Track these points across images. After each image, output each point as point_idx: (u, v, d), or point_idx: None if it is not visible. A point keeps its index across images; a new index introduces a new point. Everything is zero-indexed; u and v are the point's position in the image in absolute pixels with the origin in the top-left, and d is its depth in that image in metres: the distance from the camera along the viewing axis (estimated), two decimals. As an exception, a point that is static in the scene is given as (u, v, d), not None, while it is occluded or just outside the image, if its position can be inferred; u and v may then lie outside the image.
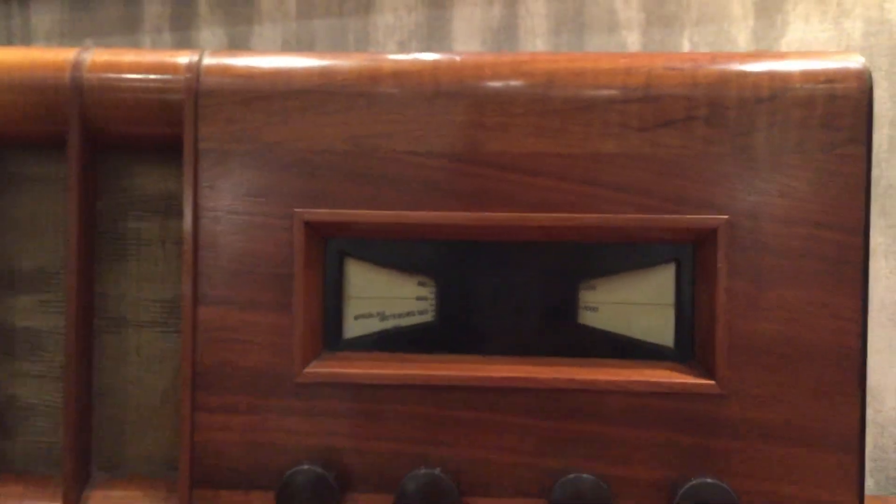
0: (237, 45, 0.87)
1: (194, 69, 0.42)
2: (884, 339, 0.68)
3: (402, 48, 0.81)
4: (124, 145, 0.43)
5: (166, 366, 0.44)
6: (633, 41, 0.74)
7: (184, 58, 0.42)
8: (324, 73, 0.41)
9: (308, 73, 0.42)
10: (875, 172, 0.69)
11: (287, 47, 0.85)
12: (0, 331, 0.44)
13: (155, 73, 0.42)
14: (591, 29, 0.75)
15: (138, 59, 0.42)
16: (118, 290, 0.44)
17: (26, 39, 0.96)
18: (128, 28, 0.92)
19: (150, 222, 0.44)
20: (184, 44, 0.89)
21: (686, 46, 0.72)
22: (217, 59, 0.42)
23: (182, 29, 0.90)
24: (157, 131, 0.42)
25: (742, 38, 0.71)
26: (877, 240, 0.68)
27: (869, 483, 0.68)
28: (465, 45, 0.79)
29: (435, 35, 0.80)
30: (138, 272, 0.44)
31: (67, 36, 0.94)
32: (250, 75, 0.42)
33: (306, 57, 0.42)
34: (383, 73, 0.41)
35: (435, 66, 0.41)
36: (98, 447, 0.44)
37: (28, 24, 0.96)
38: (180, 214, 0.43)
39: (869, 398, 0.68)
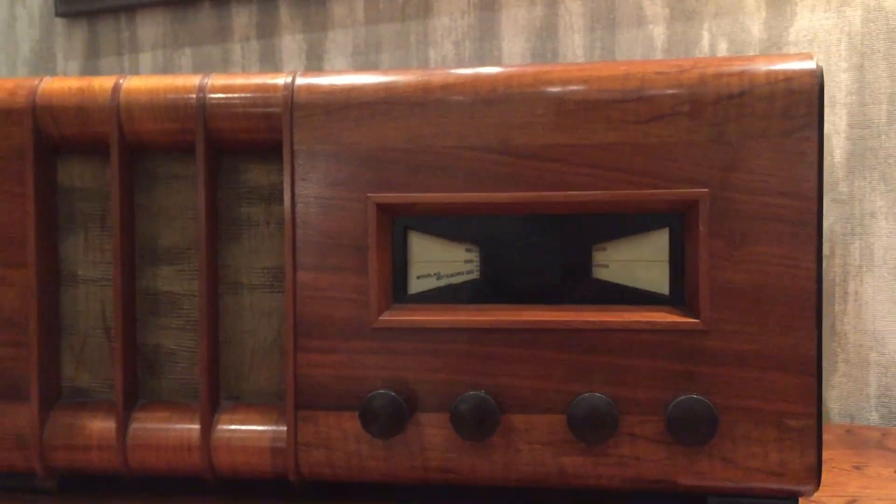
0: (314, 49, 1.00)
1: (289, 88, 0.54)
2: (886, 290, 0.77)
3: (457, 47, 0.92)
4: (237, 148, 0.56)
5: (273, 319, 0.56)
6: (658, 34, 0.83)
7: (281, 79, 0.54)
8: (387, 88, 0.53)
9: (375, 88, 0.53)
10: (875, 143, 0.77)
11: (357, 50, 0.97)
12: (147, 294, 0.57)
13: (259, 92, 0.54)
14: (621, 25, 0.84)
15: (246, 82, 0.55)
16: (235, 261, 0.57)
17: (133, 49, 1.10)
18: (220, 38, 1.05)
19: (257, 208, 0.57)
20: (268, 50, 1.02)
21: (706, 38, 0.81)
22: (306, 79, 0.54)
23: (266, 37, 1.03)
24: (262, 137, 0.55)
25: (756, 29, 0.80)
26: (877, 203, 0.77)
27: (874, 417, 0.77)
28: (512, 42, 0.89)
29: (485, 35, 0.91)
30: (249, 247, 0.57)
31: (169, 46, 1.08)
32: (331, 91, 0.54)
33: (373, 74, 0.54)
34: (433, 85, 0.53)
35: (474, 78, 0.53)
36: (224, 383, 0.57)
37: (135, 36, 1.10)
38: (281, 201, 0.56)
39: (873, 342, 0.77)
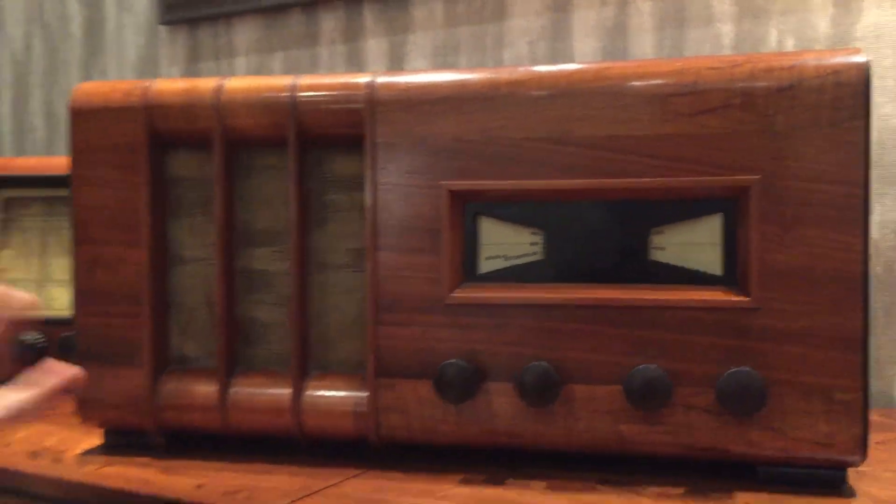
0: (396, 51, 1.06)
1: (371, 86, 0.59)
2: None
3: (531, 48, 0.97)
4: (324, 142, 0.62)
5: (356, 296, 0.62)
6: (726, 32, 0.86)
7: (363, 78, 0.60)
8: (459, 85, 0.58)
9: (448, 85, 0.58)
10: (941, 136, 0.78)
11: (436, 52, 1.03)
12: (245, 272, 0.64)
13: (344, 91, 0.60)
14: (690, 23, 0.87)
15: (332, 81, 0.61)
16: (322, 244, 0.63)
17: (230, 54, 1.19)
18: (309, 41, 1.13)
19: (342, 195, 0.62)
20: (353, 53, 1.09)
21: (773, 35, 0.84)
22: (385, 78, 0.60)
23: (351, 41, 1.09)
24: (346, 131, 0.61)
25: (822, 25, 0.82)
26: (943, 194, 0.78)
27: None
28: (583, 42, 0.93)
29: (558, 35, 0.95)
30: (335, 230, 0.62)
31: (262, 50, 1.16)
32: (408, 88, 0.59)
33: (446, 73, 0.59)
34: (501, 82, 0.58)
35: (539, 75, 0.57)
36: (312, 353, 0.63)
37: (231, 41, 1.18)
38: (363, 188, 0.61)
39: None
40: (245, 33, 1.17)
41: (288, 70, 1.13)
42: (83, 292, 0.64)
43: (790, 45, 0.83)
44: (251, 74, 1.16)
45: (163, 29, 1.23)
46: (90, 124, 0.63)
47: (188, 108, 0.62)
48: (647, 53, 0.90)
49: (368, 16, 1.07)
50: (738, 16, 0.86)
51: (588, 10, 0.93)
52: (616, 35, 0.92)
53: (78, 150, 0.64)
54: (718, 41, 0.86)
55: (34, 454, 0.64)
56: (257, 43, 1.16)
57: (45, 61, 1.35)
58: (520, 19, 0.98)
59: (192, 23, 1.20)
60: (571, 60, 0.94)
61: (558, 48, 0.95)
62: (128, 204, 0.63)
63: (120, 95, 0.63)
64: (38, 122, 1.36)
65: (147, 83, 0.63)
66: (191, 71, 1.21)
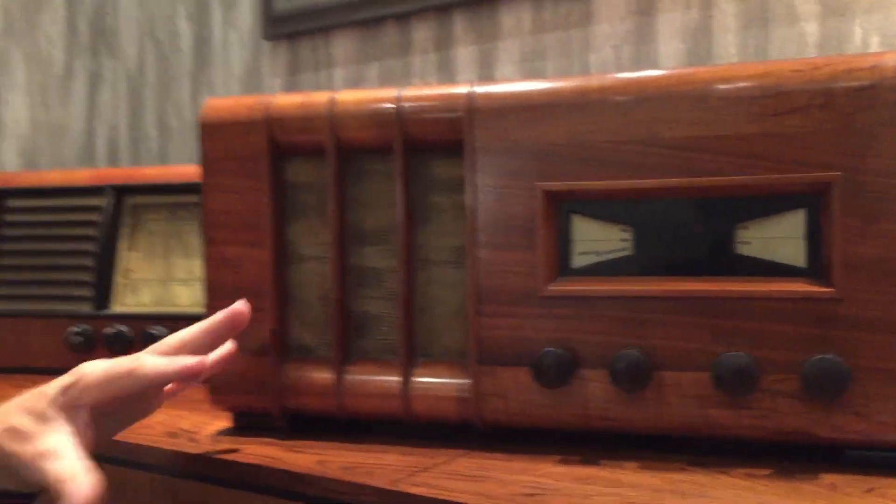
0: (485, 58, 1.11)
1: (470, 96, 0.65)
2: None
3: (616, 51, 1.00)
4: (426, 147, 0.67)
5: (457, 290, 0.67)
6: (811, 31, 0.88)
7: (462, 89, 0.65)
8: (551, 93, 0.63)
9: (540, 93, 0.63)
10: None
11: (524, 57, 1.07)
12: (356, 269, 0.70)
13: (445, 101, 0.65)
14: (774, 23, 0.90)
15: (434, 92, 0.66)
16: (426, 242, 0.68)
17: (328, 65, 1.26)
18: (402, 51, 1.19)
19: (443, 196, 0.68)
20: (444, 61, 1.14)
21: (858, 33, 0.85)
22: (483, 88, 0.65)
23: (443, 49, 1.15)
24: (447, 138, 0.66)
25: (908, 20, 0.83)
26: None
27: None
28: (667, 44, 0.97)
29: (642, 38, 0.99)
30: (437, 229, 0.68)
31: (359, 61, 1.22)
32: (504, 97, 0.64)
33: (538, 81, 0.64)
34: (591, 89, 0.62)
35: (626, 81, 0.61)
36: (418, 343, 0.68)
37: (329, 54, 1.26)
38: (463, 190, 0.66)
39: None
40: (342, 45, 1.23)
41: (383, 78, 1.19)
42: (212, 288, 0.71)
43: (875, 42, 0.84)
44: (348, 84, 1.23)
45: (266, 43, 1.31)
46: (218, 137, 0.70)
47: (305, 121, 0.68)
48: (731, 54, 0.92)
49: (458, 25, 1.13)
50: (822, 14, 0.88)
51: (672, 12, 0.97)
52: (700, 36, 0.95)
53: (207, 160, 0.71)
54: (803, 40, 0.88)
55: (172, 434, 0.72)
56: (354, 54, 1.23)
57: (157, 76, 1.45)
58: (605, 24, 1.01)
59: (293, 37, 1.27)
60: (656, 63, 0.98)
61: (643, 51, 0.98)
62: (251, 208, 0.70)
63: (244, 110, 0.70)
64: (151, 132, 1.46)
65: (268, 99, 0.70)
66: (291, 82, 1.29)
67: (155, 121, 1.46)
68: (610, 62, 1.01)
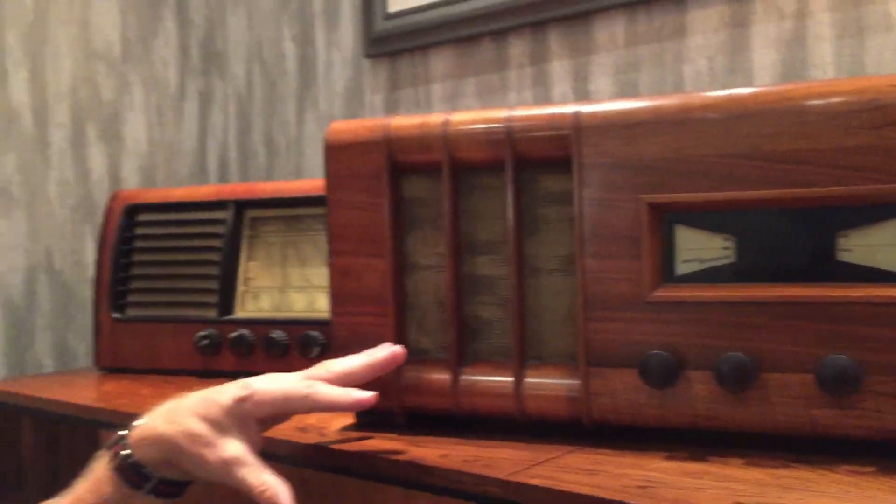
0: (580, 71, 1.15)
1: (577, 115, 0.69)
2: None
3: (710, 62, 1.03)
4: (535, 163, 0.72)
5: (566, 295, 0.72)
6: (907, 37, 0.89)
7: (569, 109, 0.70)
8: (653, 110, 0.67)
9: (643, 111, 0.67)
10: None
11: (618, 69, 1.11)
12: (469, 277, 0.75)
13: (552, 120, 0.70)
14: (869, 32, 0.91)
15: (542, 112, 0.71)
16: (535, 251, 0.73)
17: (426, 81, 1.32)
18: (498, 66, 1.24)
19: (551, 209, 0.72)
20: (539, 74, 1.19)
21: (956, 37, 0.86)
22: (588, 107, 0.69)
23: (538, 63, 1.19)
24: (555, 154, 0.70)
25: None
26: None
27: None
28: (762, 54, 0.99)
29: (737, 49, 1.01)
30: (546, 239, 0.72)
31: (456, 76, 1.28)
32: (608, 116, 0.68)
33: (640, 100, 0.68)
34: (693, 106, 0.65)
35: (727, 99, 0.65)
36: (529, 347, 0.73)
37: (427, 70, 1.32)
38: (570, 203, 0.71)
39: None
40: (440, 62, 1.29)
41: (479, 93, 1.25)
42: (337, 296, 0.77)
43: (975, 47, 0.85)
44: (446, 98, 1.29)
45: (366, 62, 1.38)
46: (342, 157, 0.76)
47: (421, 141, 0.74)
48: (827, 63, 0.94)
49: (553, 40, 1.17)
50: (919, 22, 0.89)
51: (767, 23, 0.99)
52: (795, 46, 0.97)
53: (331, 178, 0.77)
54: (900, 47, 0.90)
55: (301, 429, 0.78)
56: (451, 70, 1.28)
57: (264, 95, 1.54)
58: (698, 36, 1.04)
59: (393, 55, 1.34)
60: (750, 73, 1.00)
61: (737, 61, 1.01)
62: (372, 222, 0.76)
63: (366, 132, 0.76)
64: (259, 148, 1.55)
65: (387, 121, 0.76)
66: (391, 98, 1.35)
67: (262, 138, 1.54)
68: (704, 73, 1.04)
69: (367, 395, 0.67)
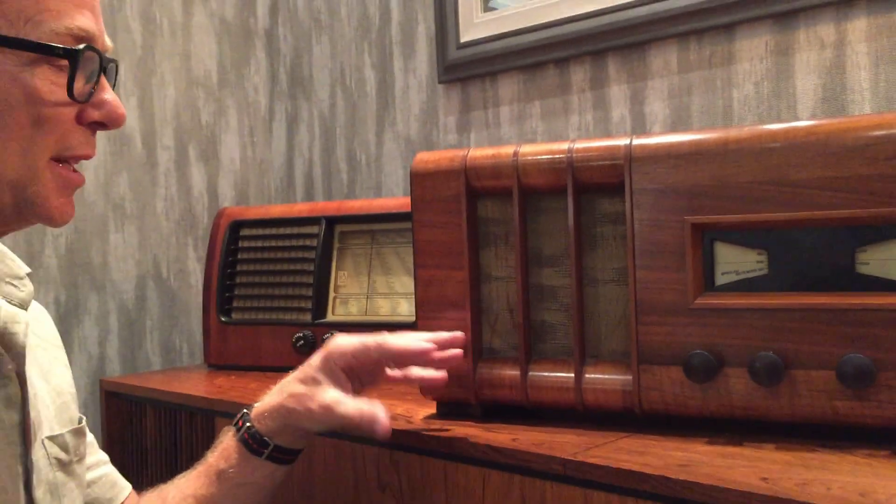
0: (636, 95, 1.25)
1: (628, 147, 0.80)
2: None
3: (757, 87, 1.13)
4: (592, 188, 0.83)
5: (621, 302, 0.82)
6: (938, 65, 0.97)
7: (622, 141, 0.81)
8: (696, 143, 0.77)
9: (688, 143, 0.77)
10: None
11: (672, 93, 1.21)
12: (536, 287, 0.86)
13: (607, 151, 0.81)
14: (903, 60, 1.00)
15: (599, 144, 0.82)
16: (593, 264, 0.84)
17: (495, 104, 1.44)
18: (561, 91, 1.35)
19: (607, 227, 0.83)
20: (599, 98, 1.29)
21: (982, 66, 0.94)
22: (639, 140, 0.80)
23: (598, 88, 1.30)
24: (610, 180, 0.81)
25: None
26: None
27: None
28: (804, 81, 1.08)
29: (781, 75, 1.11)
30: (602, 254, 0.83)
31: (522, 100, 1.39)
32: (657, 147, 0.79)
33: (685, 134, 0.78)
34: (730, 140, 0.76)
35: (759, 133, 0.75)
36: (587, 347, 0.84)
37: (497, 94, 1.43)
38: (623, 222, 0.81)
39: None
40: (508, 87, 1.41)
41: (544, 115, 1.36)
42: (422, 303, 0.90)
43: None
44: (513, 119, 1.40)
45: (440, 87, 1.51)
46: (426, 183, 0.89)
47: (495, 170, 0.86)
48: (864, 89, 1.03)
49: (612, 67, 1.28)
50: (949, 51, 0.97)
51: (809, 52, 1.08)
52: (835, 73, 1.06)
53: (416, 202, 0.90)
54: (931, 74, 0.98)
55: (392, 417, 0.91)
56: (518, 94, 1.40)
57: (346, 116, 1.68)
58: (745, 63, 1.14)
59: (465, 80, 1.46)
60: (794, 97, 1.09)
61: (782, 87, 1.10)
62: (452, 239, 0.88)
63: (447, 162, 0.88)
64: (342, 166, 1.69)
65: (464, 152, 0.88)
66: (463, 119, 1.48)
67: (344, 155, 1.68)
68: (751, 97, 1.13)
69: (428, 345, 0.81)
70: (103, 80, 0.67)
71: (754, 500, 0.62)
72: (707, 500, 0.64)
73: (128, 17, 1.60)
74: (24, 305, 0.69)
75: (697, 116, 1.18)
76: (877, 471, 0.66)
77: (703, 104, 1.18)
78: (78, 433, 0.76)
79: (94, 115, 0.66)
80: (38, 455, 0.69)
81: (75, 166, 0.67)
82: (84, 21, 0.64)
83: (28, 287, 0.71)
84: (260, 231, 1.30)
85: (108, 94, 0.67)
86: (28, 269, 0.72)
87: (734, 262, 0.77)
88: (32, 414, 0.68)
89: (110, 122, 0.67)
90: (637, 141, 0.80)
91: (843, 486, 0.62)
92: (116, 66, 0.71)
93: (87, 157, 0.67)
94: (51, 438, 0.72)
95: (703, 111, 1.18)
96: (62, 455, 0.73)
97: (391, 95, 1.59)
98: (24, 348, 0.67)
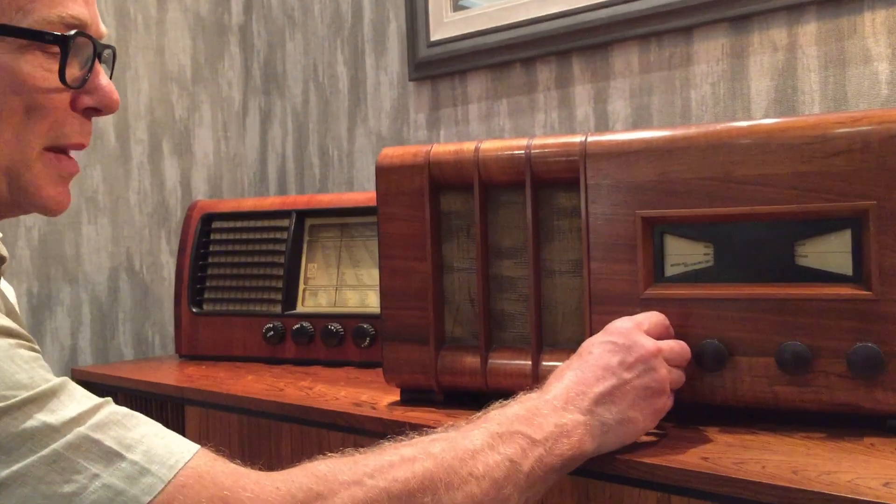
0: (599, 94, 1.29)
1: (583, 144, 0.83)
2: None
3: (713, 88, 1.17)
4: (549, 183, 0.87)
5: (576, 292, 0.86)
6: (882, 69, 1.02)
7: (577, 138, 0.84)
8: (646, 141, 0.81)
9: (639, 141, 0.81)
10: None
11: (633, 93, 1.25)
12: (495, 278, 0.90)
13: (564, 147, 0.85)
14: (850, 63, 1.04)
15: (556, 141, 0.85)
16: (550, 256, 0.87)
17: (464, 102, 1.47)
18: (528, 90, 1.38)
19: (563, 221, 0.87)
20: (564, 97, 1.33)
21: (923, 70, 0.99)
22: (593, 137, 0.84)
23: (563, 87, 1.34)
24: (566, 175, 0.85)
25: (967, 60, 0.96)
26: None
27: None
28: (758, 82, 1.12)
29: (736, 77, 1.15)
30: (559, 246, 0.87)
31: (490, 98, 1.43)
32: (610, 145, 0.83)
33: (635, 132, 0.82)
34: (677, 138, 0.80)
35: (704, 132, 0.79)
36: (544, 335, 0.88)
37: (465, 91, 1.47)
38: (579, 216, 0.85)
39: None
40: (476, 85, 1.44)
41: (511, 112, 1.39)
42: (386, 293, 0.93)
43: (938, 79, 0.97)
44: (481, 117, 1.44)
45: (411, 84, 1.54)
46: (391, 177, 0.92)
47: (457, 165, 0.89)
48: (814, 90, 1.07)
49: (576, 66, 1.31)
50: (892, 56, 1.01)
51: (762, 55, 1.12)
52: (787, 75, 1.10)
53: (382, 195, 0.93)
54: (876, 78, 1.02)
55: (357, 404, 0.94)
56: (486, 92, 1.43)
57: (319, 112, 1.71)
58: (703, 65, 1.18)
59: (434, 78, 1.49)
60: (748, 98, 1.13)
61: (737, 88, 1.14)
62: (415, 231, 0.91)
63: (410, 157, 0.91)
64: (314, 161, 1.72)
65: (428, 148, 0.91)
66: (433, 116, 1.51)
67: (317, 151, 1.71)
68: (708, 98, 1.17)
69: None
70: (98, 66, 0.67)
71: (692, 476, 0.66)
72: (650, 477, 0.68)
73: (102, 11, 1.61)
74: None
75: (657, 116, 1.22)
76: (811, 451, 0.70)
77: (663, 104, 1.22)
78: None
79: (88, 100, 0.66)
80: None
81: (72, 154, 0.67)
82: (76, 9, 0.64)
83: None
84: (231, 224, 1.32)
85: (103, 80, 0.67)
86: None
87: (682, 254, 0.81)
88: None
89: (104, 107, 0.67)
90: (592, 138, 0.84)
91: (777, 464, 0.66)
92: (114, 53, 0.71)
93: (81, 147, 0.67)
94: None
95: (663, 111, 1.22)
96: None
97: (363, 92, 1.62)
98: None
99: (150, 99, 1.68)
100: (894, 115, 0.72)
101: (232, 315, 1.29)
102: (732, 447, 0.72)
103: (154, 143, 1.69)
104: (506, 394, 0.89)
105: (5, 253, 0.72)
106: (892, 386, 0.72)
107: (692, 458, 0.69)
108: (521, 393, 0.72)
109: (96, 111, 0.68)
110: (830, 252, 0.76)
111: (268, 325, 1.24)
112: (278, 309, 1.25)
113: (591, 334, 0.83)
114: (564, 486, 0.74)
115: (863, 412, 0.74)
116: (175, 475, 0.54)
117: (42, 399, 0.53)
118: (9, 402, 0.52)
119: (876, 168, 0.72)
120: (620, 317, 0.81)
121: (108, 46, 0.70)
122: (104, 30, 0.69)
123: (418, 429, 0.83)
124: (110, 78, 0.69)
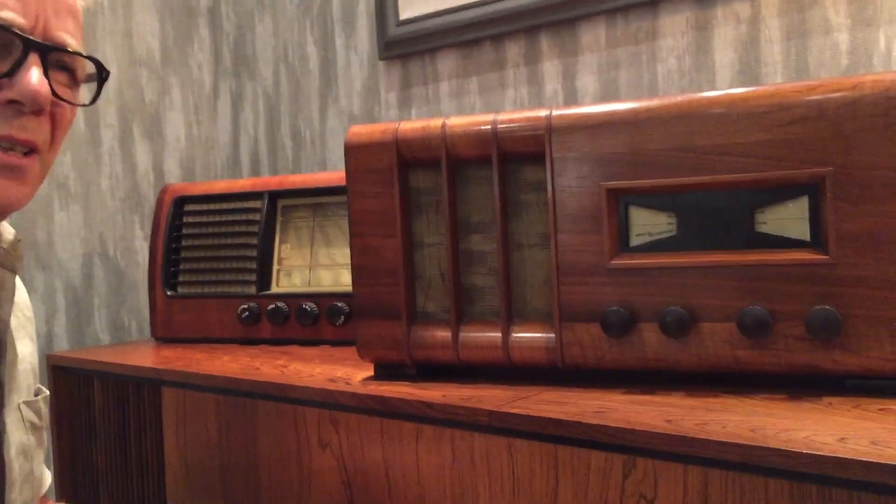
0: (568, 70, 1.30)
1: (549, 118, 0.85)
2: None
3: (679, 61, 1.18)
4: (516, 157, 0.88)
5: (543, 265, 0.88)
6: (842, 40, 1.04)
7: (542, 112, 0.85)
8: (611, 114, 0.82)
9: (603, 114, 0.83)
10: None
11: (601, 68, 1.26)
12: (465, 252, 0.91)
13: (530, 122, 0.86)
14: (811, 34, 1.06)
15: (521, 115, 0.86)
16: (518, 230, 0.89)
17: (434, 80, 1.47)
18: (497, 67, 1.39)
19: (530, 195, 0.88)
20: (533, 73, 1.34)
21: (882, 41, 1.01)
22: (559, 111, 0.85)
23: (531, 63, 1.35)
24: (532, 149, 0.86)
25: (923, 29, 0.98)
26: None
27: None
28: (722, 55, 1.14)
29: (700, 49, 1.16)
30: (527, 220, 0.88)
31: (461, 76, 1.43)
32: (574, 118, 0.84)
33: (601, 105, 0.83)
34: (641, 110, 0.81)
35: (668, 104, 0.80)
36: (514, 307, 0.89)
37: (436, 70, 1.47)
38: (545, 190, 0.86)
39: None
40: (446, 63, 1.45)
41: (481, 89, 1.40)
42: (358, 270, 0.94)
43: (896, 48, 0.99)
44: (452, 95, 1.44)
45: (381, 63, 1.54)
46: (359, 155, 0.93)
47: (424, 142, 0.90)
48: (777, 62, 1.09)
49: (545, 43, 1.32)
50: (851, 26, 1.03)
51: (726, 27, 1.13)
52: (750, 47, 1.12)
53: (351, 173, 0.93)
54: (836, 48, 1.04)
55: (331, 380, 0.95)
56: (456, 70, 1.44)
57: (290, 93, 1.71)
58: (669, 39, 1.19)
59: (404, 57, 1.50)
60: (713, 71, 1.15)
61: (702, 61, 1.16)
62: (385, 208, 0.92)
63: (378, 135, 0.92)
64: (286, 142, 1.72)
65: (396, 125, 0.92)
66: (404, 95, 1.51)
67: (289, 132, 1.71)
68: (674, 71, 1.19)
69: None
70: (29, 61, 0.66)
71: (656, 438, 0.67)
72: (616, 440, 0.70)
73: (68, -5, 1.60)
74: (14, 270, 0.72)
75: (625, 90, 1.24)
76: (771, 411, 0.72)
77: (630, 78, 1.23)
78: (47, 401, 0.79)
79: (9, 93, 0.66)
80: (12, 418, 0.72)
81: (23, 152, 0.68)
82: (4, 11, 0.65)
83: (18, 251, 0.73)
84: (204, 206, 1.32)
85: (32, 76, 0.66)
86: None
87: (647, 224, 0.83)
88: (8, 377, 0.71)
89: (22, 97, 0.66)
90: (556, 112, 0.85)
91: (737, 424, 0.68)
92: (100, 67, 0.72)
93: (12, 139, 0.67)
94: (27, 403, 0.75)
95: (630, 85, 1.23)
96: (35, 420, 0.76)
97: (333, 72, 1.62)
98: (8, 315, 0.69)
99: (120, 83, 1.67)
100: (849, 82, 0.74)
101: (207, 297, 1.29)
102: (696, 410, 0.74)
103: (124, 128, 1.68)
104: (477, 366, 0.91)
105: (20, 251, 0.74)
106: (850, 347, 0.74)
107: (656, 421, 0.70)
108: None
109: (18, 104, 0.67)
110: (789, 218, 0.77)
111: (243, 307, 1.25)
112: (253, 290, 1.26)
113: (559, 305, 0.84)
114: (534, 452, 0.76)
115: (822, 373, 0.76)
116: None
117: None
118: None
119: (832, 135, 0.74)
120: (586, 287, 0.83)
121: (56, 49, 0.69)
122: (63, 37, 0.69)
123: (389, 401, 0.85)
124: (98, 93, 0.70)
